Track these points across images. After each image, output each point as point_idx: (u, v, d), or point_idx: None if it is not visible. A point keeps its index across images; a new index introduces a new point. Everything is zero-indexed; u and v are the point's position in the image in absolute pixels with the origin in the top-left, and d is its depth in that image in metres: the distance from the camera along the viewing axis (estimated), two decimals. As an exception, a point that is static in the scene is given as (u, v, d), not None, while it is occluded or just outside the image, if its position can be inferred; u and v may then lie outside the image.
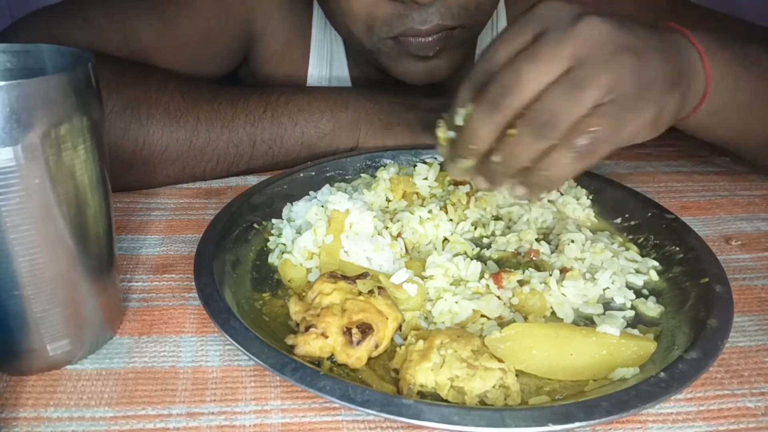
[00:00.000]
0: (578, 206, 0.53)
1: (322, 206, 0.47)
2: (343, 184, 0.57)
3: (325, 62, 0.76)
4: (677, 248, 0.46)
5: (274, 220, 0.50)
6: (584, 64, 0.37)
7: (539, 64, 0.37)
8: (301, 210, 0.48)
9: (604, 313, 0.42)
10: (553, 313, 0.42)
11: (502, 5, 0.73)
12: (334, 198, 0.47)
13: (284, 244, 0.47)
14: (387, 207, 0.52)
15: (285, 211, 0.50)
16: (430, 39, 0.58)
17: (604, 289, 0.43)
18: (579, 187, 0.56)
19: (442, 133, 0.43)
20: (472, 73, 0.40)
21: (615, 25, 0.38)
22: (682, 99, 0.42)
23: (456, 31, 0.59)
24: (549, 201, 0.53)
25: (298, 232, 0.47)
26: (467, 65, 0.73)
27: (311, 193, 0.51)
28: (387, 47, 0.60)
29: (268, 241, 0.48)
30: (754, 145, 0.54)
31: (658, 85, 0.39)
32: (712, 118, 0.47)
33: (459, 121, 0.40)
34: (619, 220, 0.53)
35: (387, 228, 0.47)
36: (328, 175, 0.57)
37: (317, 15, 0.74)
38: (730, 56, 0.46)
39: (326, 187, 0.51)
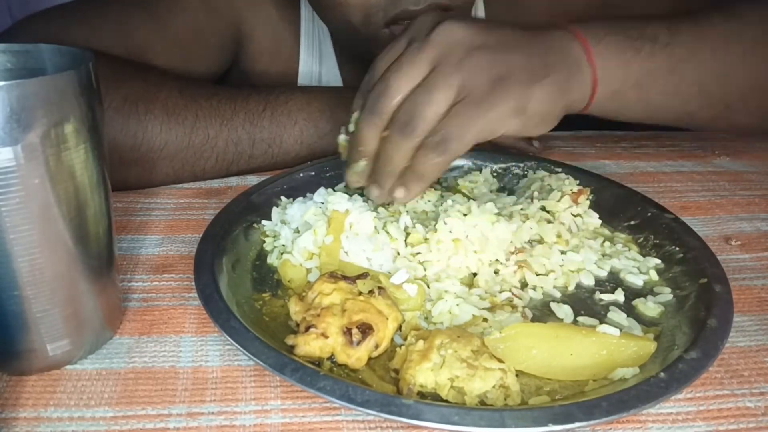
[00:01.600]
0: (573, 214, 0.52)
1: (320, 207, 0.48)
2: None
3: (315, 59, 0.76)
4: (677, 248, 0.46)
5: (264, 222, 0.50)
6: (440, 66, 0.42)
7: (401, 71, 0.43)
8: (296, 212, 0.48)
9: (606, 313, 0.42)
10: (553, 313, 0.42)
11: None
12: (333, 198, 0.47)
13: (284, 245, 0.47)
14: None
15: (276, 214, 0.50)
16: None
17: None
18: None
19: (342, 140, 0.48)
20: (362, 84, 0.47)
21: (470, 28, 0.43)
22: (558, 90, 0.45)
23: (449, 12, 0.59)
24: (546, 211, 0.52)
25: (297, 233, 0.47)
26: None
27: (308, 195, 0.51)
28: (382, 36, 0.60)
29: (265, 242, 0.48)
30: (677, 118, 0.56)
31: (515, 77, 0.43)
32: (614, 101, 0.49)
33: (351, 127, 0.47)
34: (618, 220, 0.53)
35: (386, 228, 0.47)
36: (328, 175, 0.57)
37: (305, 12, 0.75)
38: (618, 38, 0.48)
39: (322, 189, 0.51)
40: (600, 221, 0.51)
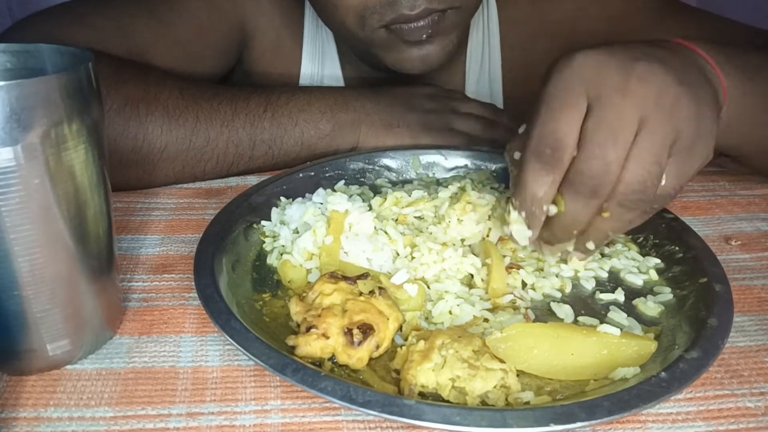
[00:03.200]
0: None
1: (318, 207, 0.47)
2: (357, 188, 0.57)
3: (318, 61, 0.76)
4: (677, 248, 0.46)
5: (264, 223, 0.49)
6: (650, 124, 0.36)
7: (617, 144, 0.36)
8: (295, 212, 0.48)
9: (607, 312, 0.42)
10: (554, 313, 0.42)
11: None
12: (333, 198, 0.47)
13: (283, 246, 0.47)
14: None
15: (275, 214, 0.50)
16: (421, 23, 0.59)
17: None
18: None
19: (517, 219, 0.41)
20: (539, 154, 0.38)
21: (661, 65, 0.37)
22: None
23: (447, 13, 0.60)
24: None
25: (296, 233, 0.47)
26: (461, 51, 0.74)
27: (307, 195, 0.51)
28: (380, 37, 0.60)
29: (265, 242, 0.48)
30: (756, 151, 0.54)
31: (710, 108, 0.39)
32: (725, 130, 0.45)
33: (553, 212, 0.39)
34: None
35: (385, 230, 0.47)
36: (327, 175, 0.57)
37: (308, 13, 0.75)
38: (734, 66, 0.45)
39: (321, 189, 0.51)
40: None
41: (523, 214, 0.40)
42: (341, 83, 0.77)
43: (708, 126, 0.39)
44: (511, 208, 0.41)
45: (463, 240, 0.48)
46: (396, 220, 0.49)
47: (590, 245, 0.41)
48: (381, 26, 0.59)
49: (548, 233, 0.41)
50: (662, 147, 0.36)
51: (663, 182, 0.38)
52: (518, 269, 0.44)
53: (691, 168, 0.39)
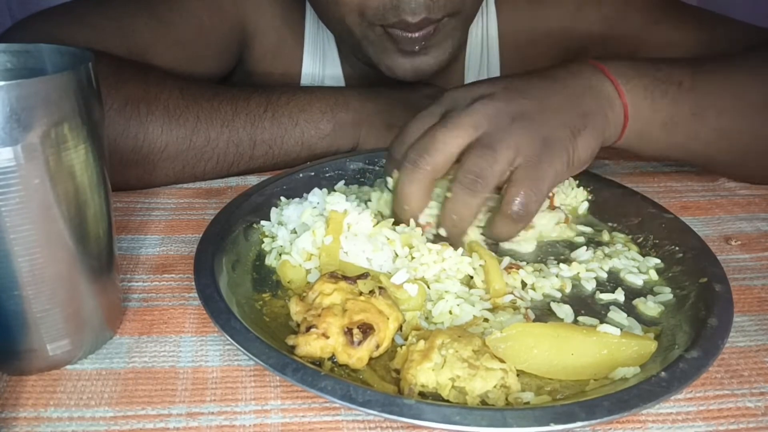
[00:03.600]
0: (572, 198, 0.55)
1: (315, 207, 0.47)
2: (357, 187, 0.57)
3: (319, 61, 0.76)
4: (677, 248, 0.46)
5: (263, 223, 0.49)
6: (488, 132, 0.43)
7: (449, 129, 0.44)
8: (292, 213, 0.48)
9: (607, 311, 0.42)
10: (554, 313, 0.42)
11: None
12: (332, 198, 0.47)
13: (281, 246, 0.47)
14: None
15: (274, 214, 0.50)
16: (416, 35, 0.59)
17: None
18: (580, 188, 0.56)
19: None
20: (391, 150, 0.48)
21: (506, 100, 0.45)
22: (596, 133, 0.47)
23: (444, 21, 0.60)
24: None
25: (294, 233, 0.47)
26: (460, 52, 0.74)
27: (304, 195, 0.51)
28: (376, 35, 0.61)
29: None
30: (695, 159, 0.57)
31: (559, 135, 0.45)
32: (640, 139, 0.51)
33: (390, 186, 0.47)
34: (618, 220, 0.53)
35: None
36: (327, 175, 0.57)
37: (309, 14, 0.75)
38: (646, 80, 0.50)
39: (316, 189, 0.51)
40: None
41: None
42: (342, 83, 0.77)
43: (555, 151, 0.44)
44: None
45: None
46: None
47: (444, 230, 0.45)
48: (379, 24, 0.59)
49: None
50: (498, 144, 0.43)
51: (519, 190, 0.43)
52: (518, 269, 0.45)
53: (542, 182, 0.44)
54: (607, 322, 0.39)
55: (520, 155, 0.43)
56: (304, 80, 0.76)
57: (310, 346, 0.36)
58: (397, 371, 0.36)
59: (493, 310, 0.41)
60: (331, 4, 0.60)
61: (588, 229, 0.52)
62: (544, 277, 0.45)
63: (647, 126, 0.50)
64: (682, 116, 0.51)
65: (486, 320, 0.40)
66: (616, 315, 0.41)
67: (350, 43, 0.65)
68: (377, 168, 0.59)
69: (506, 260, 0.45)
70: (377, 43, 0.61)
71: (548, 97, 0.47)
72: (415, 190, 0.44)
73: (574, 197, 0.55)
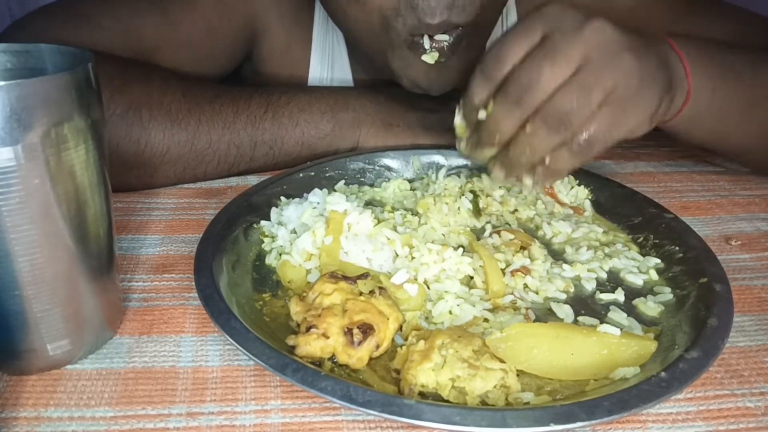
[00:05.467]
0: (573, 194, 0.56)
1: (315, 207, 0.47)
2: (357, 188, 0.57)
3: (327, 63, 0.75)
4: (677, 248, 0.46)
5: (263, 223, 0.49)
6: (591, 65, 0.40)
7: (554, 65, 0.40)
8: (292, 213, 0.48)
9: (607, 311, 0.42)
10: (554, 313, 0.42)
11: (512, 3, 0.72)
12: (332, 198, 0.47)
13: (281, 246, 0.47)
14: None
15: (274, 214, 0.50)
16: (439, 40, 0.56)
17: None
18: (581, 186, 0.56)
19: (458, 122, 0.46)
20: (484, 67, 0.43)
21: (618, 30, 0.42)
22: (670, 102, 0.46)
23: (465, 32, 0.56)
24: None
25: (293, 234, 0.47)
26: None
27: (304, 195, 0.51)
28: (401, 50, 0.57)
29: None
30: (731, 149, 0.57)
31: (656, 83, 0.43)
32: (691, 122, 0.50)
33: (482, 115, 0.43)
34: (618, 220, 0.53)
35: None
36: (327, 175, 0.57)
37: (318, 15, 0.74)
38: (710, 65, 0.49)
39: (316, 189, 0.51)
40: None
41: (461, 115, 0.46)
42: (351, 85, 0.76)
43: (646, 96, 0.42)
44: (457, 110, 0.46)
45: (444, 235, 0.49)
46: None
47: (527, 179, 0.44)
48: (404, 38, 0.56)
49: (476, 137, 0.45)
50: (596, 85, 0.40)
51: (593, 127, 0.40)
52: (524, 275, 0.44)
53: (622, 125, 0.41)
54: (607, 322, 0.39)
55: (615, 93, 0.40)
56: (312, 82, 0.75)
57: (310, 346, 0.36)
58: (397, 371, 0.36)
59: (493, 310, 0.41)
60: (354, 7, 0.57)
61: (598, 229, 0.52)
62: (549, 280, 0.44)
63: (702, 111, 0.49)
64: (735, 107, 0.51)
65: (486, 320, 0.40)
66: (616, 315, 0.41)
67: (370, 46, 0.62)
68: (377, 168, 0.59)
69: (516, 263, 0.45)
70: (400, 54, 0.58)
71: (645, 45, 0.43)
72: (511, 126, 0.42)
73: (575, 196, 0.55)
